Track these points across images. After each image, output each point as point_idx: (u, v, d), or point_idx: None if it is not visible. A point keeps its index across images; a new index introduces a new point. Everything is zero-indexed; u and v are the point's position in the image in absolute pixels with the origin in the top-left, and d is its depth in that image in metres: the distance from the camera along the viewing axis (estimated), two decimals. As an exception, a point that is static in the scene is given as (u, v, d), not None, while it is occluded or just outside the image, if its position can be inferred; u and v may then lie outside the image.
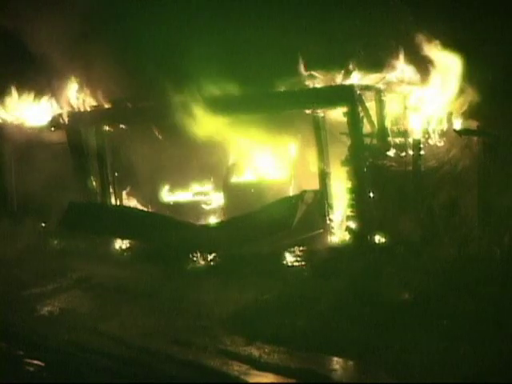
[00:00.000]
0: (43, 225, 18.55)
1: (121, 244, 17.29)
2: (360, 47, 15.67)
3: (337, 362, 10.49)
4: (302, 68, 15.84)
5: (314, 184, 15.80)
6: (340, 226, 15.55)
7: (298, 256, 14.89)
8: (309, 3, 17.33)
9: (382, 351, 10.37)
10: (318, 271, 13.97)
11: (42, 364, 10.78)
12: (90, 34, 18.15)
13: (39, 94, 18.99)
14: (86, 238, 17.40)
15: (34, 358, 10.98)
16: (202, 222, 17.15)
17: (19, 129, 19.04)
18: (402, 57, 15.23)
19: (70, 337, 11.85)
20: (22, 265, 16.09)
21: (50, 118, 18.75)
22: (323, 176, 15.59)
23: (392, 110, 15.53)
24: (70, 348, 11.42)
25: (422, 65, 15.15)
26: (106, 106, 18.46)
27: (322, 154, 15.58)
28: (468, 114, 14.67)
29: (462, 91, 14.77)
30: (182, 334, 11.79)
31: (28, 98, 19.10)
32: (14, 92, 19.11)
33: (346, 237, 15.05)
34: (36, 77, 18.78)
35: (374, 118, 15.14)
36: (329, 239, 15.50)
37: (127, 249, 17.11)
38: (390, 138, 15.12)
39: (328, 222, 15.58)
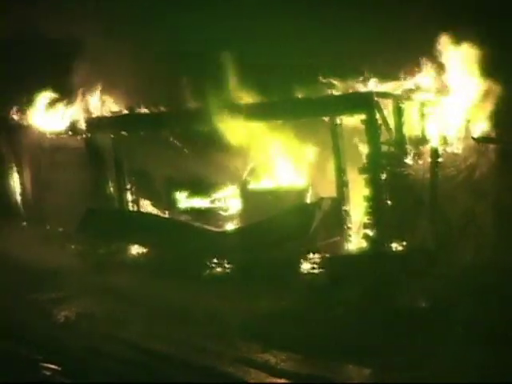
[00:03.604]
0: (61, 230, 18.61)
1: (138, 249, 17.31)
2: (378, 55, 15.62)
3: (352, 370, 10.50)
4: (319, 76, 15.84)
5: (331, 191, 15.78)
6: (357, 234, 15.51)
7: (315, 263, 14.87)
8: (326, 11, 17.33)
9: (397, 358, 10.35)
10: (334, 278, 13.93)
11: (59, 368, 10.82)
12: (109, 39, 18.21)
13: (58, 99, 19.08)
14: (103, 243, 17.44)
15: (51, 362, 11.02)
16: (219, 228, 17.12)
17: (37, 134, 19.14)
18: (420, 64, 15.20)
19: (85, 342, 11.89)
20: (38, 270, 16.13)
21: (68, 124, 18.83)
22: (340, 183, 15.56)
23: (410, 117, 15.47)
24: (85, 353, 11.45)
25: (441, 72, 15.12)
26: (124, 112, 18.54)
27: (340, 162, 15.54)
28: (486, 122, 14.63)
29: (481, 99, 14.72)
30: (198, 340, 11.80)
31: (47, 104, 19.18)
32: (34, 98, 19.22)
33: (363, 244, 15.01)
34: (55, 83, 18.89)
35: (392, 126, 15.10)
36: (346, 246, 15.47)
37: (144, 254, 17.12)
38: (407, 146, 15.08)
39: (345, 229, 15.55)
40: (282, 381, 10.21)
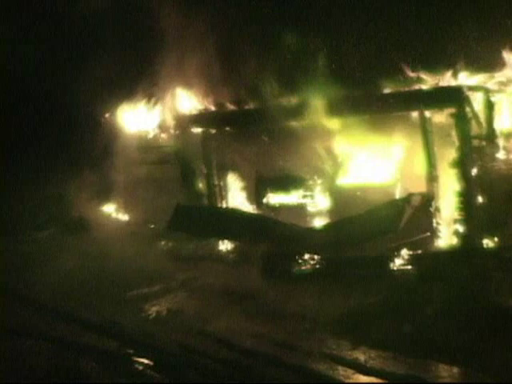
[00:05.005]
0: (152, 226, 18.87)
1: (227, 246, 17.43)
2: (467, 46, 15.38)
3: (443, 369, 10.34)
4: (407, 69, 15.68)
5: (420, 187, 15.59)
6: (447, 230, 15.30)
7: (405, 259, 14.73)
8: (413, 2, 17.15)
9: (490, 358, 10.18)
10: (424, 275, 13.78)
11: (151, 363, 10.98)
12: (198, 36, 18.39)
13: (148, 98, 19.33)
14: (193, 239, 17.62)
15: (143, 357, 11.19)
16: (308, 224, 17.10)
17: (128, 133, 19.44)
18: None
19: (176, 337, 12.02)
20: (130, 266, 16.40)
21: (157, 122, 19.07)
22: (430, 179, 15.36)
23: (501, 110, 15.17)
24: (176, 349, 11.56)
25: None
26: (212, 108, 18.68)
27: (429, 157, 15.32)
28: None
29: None
30: (287, 337, 11.81)
31: (138, 103, 19.46)
32: (125, 96, 19.53)
33: (454, 240, 14.80)
34: (146, 81, 19.15)
35: (483, 119, 14.84)
36: (436, 243, 15.27)
37: (233, 250, 17.23)
38: (499, 140, 14.79)
39: (435, 225, 15.36)
40: (372, 379, 10.17)
